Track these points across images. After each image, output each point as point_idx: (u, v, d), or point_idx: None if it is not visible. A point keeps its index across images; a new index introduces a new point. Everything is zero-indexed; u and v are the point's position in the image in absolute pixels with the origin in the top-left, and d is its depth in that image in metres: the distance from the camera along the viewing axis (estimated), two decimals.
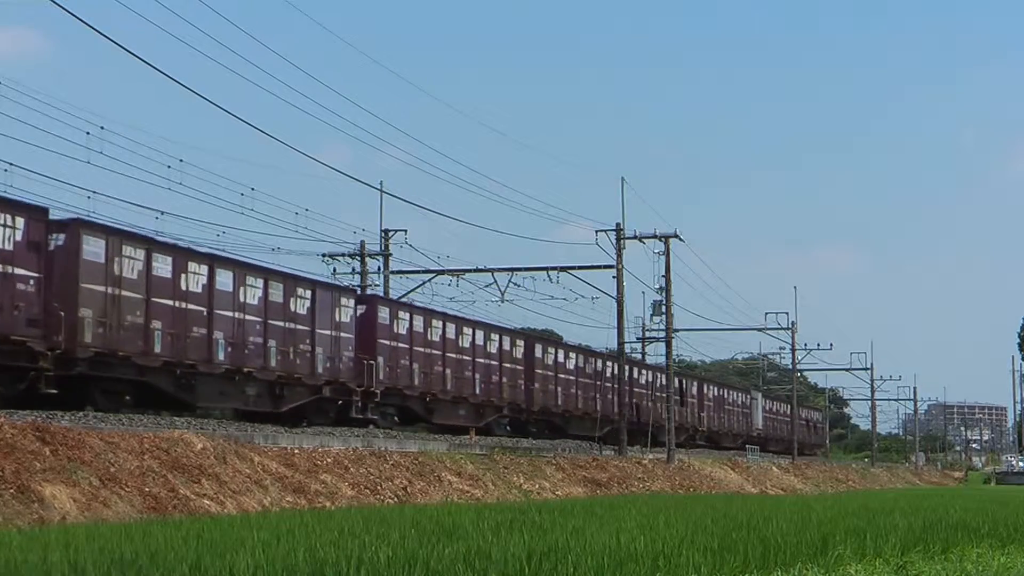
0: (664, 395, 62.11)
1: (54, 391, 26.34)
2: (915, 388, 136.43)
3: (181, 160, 34.98)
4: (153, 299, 29.29)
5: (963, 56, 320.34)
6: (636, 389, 59.88)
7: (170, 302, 29.84)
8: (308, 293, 35.43)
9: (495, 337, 47.74)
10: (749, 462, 61.19)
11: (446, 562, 10.58)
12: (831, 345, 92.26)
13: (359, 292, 39.81)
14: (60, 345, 26.58)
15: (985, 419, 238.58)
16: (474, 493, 30.09)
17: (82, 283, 27.34)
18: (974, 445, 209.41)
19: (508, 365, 48.37)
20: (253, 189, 39.36)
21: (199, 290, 30.87)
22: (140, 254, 29.06)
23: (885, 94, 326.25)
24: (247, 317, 32.59)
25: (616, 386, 57.39)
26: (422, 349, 42.00)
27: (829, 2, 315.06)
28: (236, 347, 32.07)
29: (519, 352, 49.70)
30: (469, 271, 51.96)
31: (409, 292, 51.60)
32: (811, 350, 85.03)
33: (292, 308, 34.56)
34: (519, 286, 51.82)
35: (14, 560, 10.73)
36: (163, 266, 29.73)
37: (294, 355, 34.52)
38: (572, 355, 55.55)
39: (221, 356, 31.57)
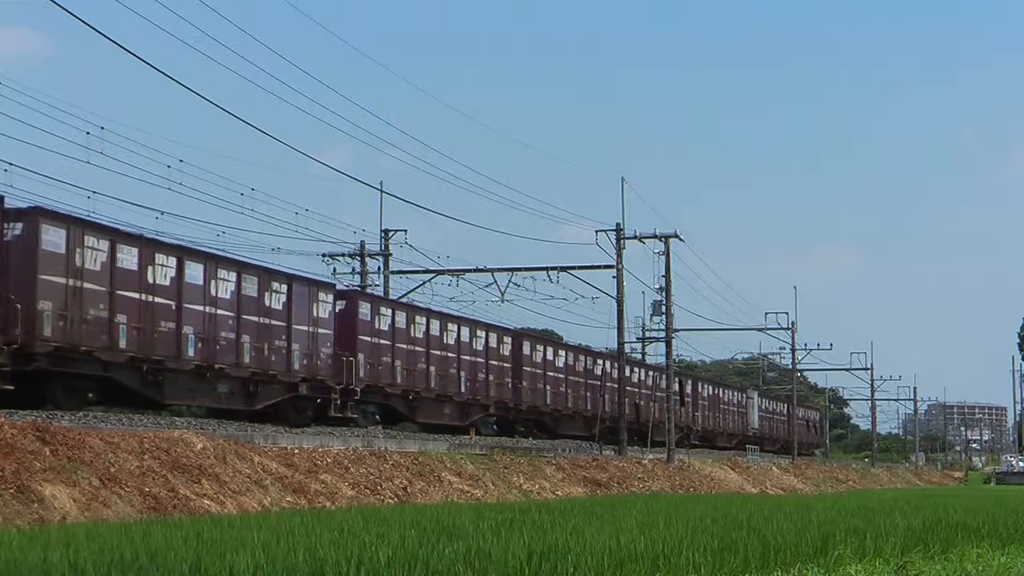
0: (657, 395, 62.38)
1: (10, 387, 25.39)
2: (915, 388, 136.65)
3: (181, 160, 34.99)
4: (118, 292, 28.18)
5: (963, 56, 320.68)
6: (629, 388, 59.20)
7: (136, 295, 28.77)
8: (284, 287, 34.31)
9: (481, 334, 46.69)
10: (749, 462, 61.20)
11: (446, 562, 10.58)
12: (831, 345, 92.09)
13: (337, 287, 38.47)
14: (17, 339, 25.55)
15: (985, 419, 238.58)
16: (474, 493, 30.09)
17: (41, 274, 26.25)
18: (974, 445, 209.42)
19: (495, 363, 47.31)
20: (253, 189, 39.43)
21: (167, 283, 29.77)
22: (104, 245, 27.92)
23: (885, 94, 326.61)
24: (219, 312, 31.52)
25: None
26: (405, 346, 40.86)
27: (829, 2, 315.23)
28: (207, 343, 31.04)
29: (506, 349, 48.62)
30: (469, 271, 51.98)
31: (409, 292, 51.66)
32: (811, 350, 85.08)
33: (267, 303, 33.44)
34: (519, 286, 51.86)
35: (14, 560, 10.72)
36: (128, 258, 28.61)
37: (269, 351, 33.38)
38: (562, 353, 54.54)
39: (191, 352, 30.54)
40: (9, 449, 19.16)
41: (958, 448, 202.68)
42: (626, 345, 52.25)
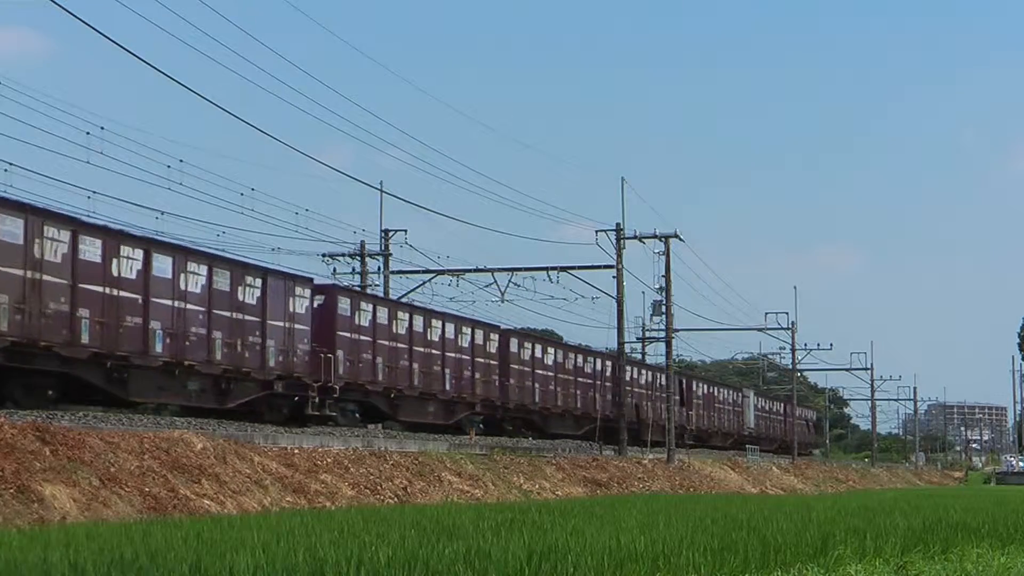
0: (653, 394, 62.34)
1: None
2: (915, 388, 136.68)
3: (181, 160, 34.94)
4: (80, 285, 26.99)
5: (963, 56, 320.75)
6: (622, 386, 58.53)
7: (100, 288, 27.55)
8: (258, 281, 33.11)
9: (467, 331, 45.39)
10: (749, 462, 61.22)
11: (446, 562, 10.59)
12: (831, 345, 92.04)
13: (314, 282, 37.12)
14: None
15: (985, 419, 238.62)
16: (474, 493, 30.10)
17: None
18: (974, 445, 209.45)
19: (481, 360, 45.95)
20: (253, 189, 39.39)
21: (133, 276, 28.64)
22: (65, 236, 26.71)
23: (885, 94, 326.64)
24: (188, 306, 30.36)
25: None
26: (386, 342, 39.67)
27: (829, 2, 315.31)
28: (176, 338, 29.86)
29: (493, 347, 47.29)
30: (469, 271, 52.00)
31: (409, 292, 51.71)
32: (811, 350, 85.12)
33: (240, 297, 32.25)
34: (519, 286, 51.89)
35: (14, 560, 10.72)
36: (91, 249, 27.38)
37: (242, 347, 32.19)
38: (551, 350, 53.29)
39: (159, 348, 29.34)
40: (9, 449, 19.16)
41: (958, 448, 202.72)
42: (626, 345, 52.25)
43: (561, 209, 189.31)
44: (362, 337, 38.44)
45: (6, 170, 29.37)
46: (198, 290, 30.82)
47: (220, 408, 31.93)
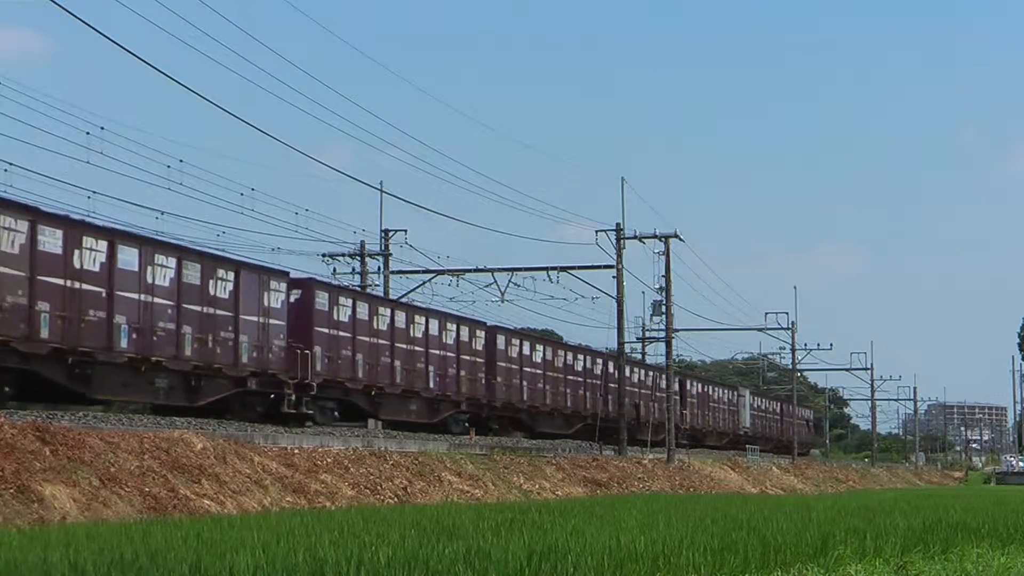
0: (645, 392, 62.32)
1: None
2: (915, 388, 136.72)
3: (181, 160, 34.92)
4: (39, 277, 25.90)
5: (963, 56, 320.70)
6: (612, 385, 58.09)
7: (60, 281, 26.38)
8: (231, 275, 31.87)
9: (451, 327, 44.15)
10: (749, 462, 61.25)
11: (446, 562, 10.59)
12: (831, 345, 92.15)
13: (291, 275, 35.77)
14: None
15: (985, 419, 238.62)
16: (474, 493, 30.11)
17: None
18: (974, 445, 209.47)
19: (466, 357, 44.69)
20: (253, 189, 39.39)
21: (96, 268, 27.40)
22: (23, 226, 25.67)
23: (885, 94, 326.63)
24: (156, 300, 29.21)
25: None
26: (367, 338, 38.35)
27: (829, 2, 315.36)
28: (142, 333, 28.64)
29: (479, 344, 46.04)
30: (469, 271, 52.02)
31: (409, 292, 51.73)
32: (811, 350, 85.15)
33: (211, 291, 31.09)
34: (519, 286, 51.88)
35: (14, 560, 10.73)
36: (51, 240, 26.25)
37: (213, 343, 31.00)
38: (539, 347, 51.90)
39: (124, 343, 28.15)
40: (9, 449, 19.16)
41: (958, 448, 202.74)
42: (626, 345, 52.24)
43: (561, 209, 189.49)
44: (341, 333, 37.16)
45: (6, 170, 29.37)
46: (166, 283, 29.66)
47: (190, 406, 30.85)
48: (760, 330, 75.78)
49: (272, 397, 34.01)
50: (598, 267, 50.23)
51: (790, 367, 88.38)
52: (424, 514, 18.80)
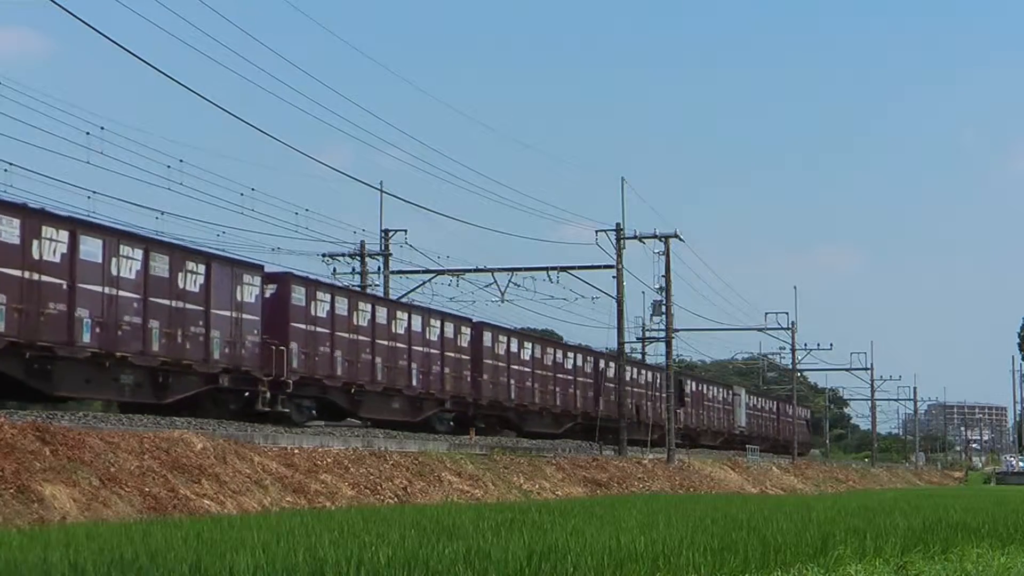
0: (641, 392, 62.37)
1: None
2: (915, 388, 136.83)
3: (181, 160, 34.91)
4: None
5: (963, 56, 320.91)
6: (606, 384, 57.01)
7: (17, 273, 25.29)
8: (201, 268, 30.82)
9: (435, 323, 42.97)
10: (749, 462, 61.26)
11: (446, 562, 10.59)
12: (831, 345, 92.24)
13: (265, 269, 34.59)
14: None
15: (985, 419, 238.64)
16: (474, 493, 30.11)
17: None
18: (974, 445, 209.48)
19: (451, 354, 43.45)
20: (253, 189, 39.42)
21: (56, 259, 26.28)
22: None
23: (885, 94, 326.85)
24: (121, 293, 28.00)
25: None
26: (346, 335, 37.24)
27: (829, 2, 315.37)
28: (106, 327, 27.48)
29: (465, 340, 44.78)
30: (469, 271, 52.03)
31: (409, 292, 51.75)
32: (811, 350, 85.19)
33: (181, 284, 29.96)
34: (519, 286, 51.89)
35: (14, 560, 10.73)
36: (8, 230, 25.22)
37: (183, 338, 29.87)
38: (528, 345, 50.55)
39: (86, 338, 26.97)
40: (9, 449, 19.16)
41: (958, 448, 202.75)
42: (626, 345, 52.24)
43: (561, 209, 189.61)
44: (319, 329, 35.99)
45: (6, 170, 29.36)
46: (132, 276, 28.48)
47: (158, 403, 29.85)
48: (760, 330, 75.88)
49: (246, 395, 33.07)
50: (598, 267, 50.25)
51: (790, 367, 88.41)
52: (424, 514, 18.80)
